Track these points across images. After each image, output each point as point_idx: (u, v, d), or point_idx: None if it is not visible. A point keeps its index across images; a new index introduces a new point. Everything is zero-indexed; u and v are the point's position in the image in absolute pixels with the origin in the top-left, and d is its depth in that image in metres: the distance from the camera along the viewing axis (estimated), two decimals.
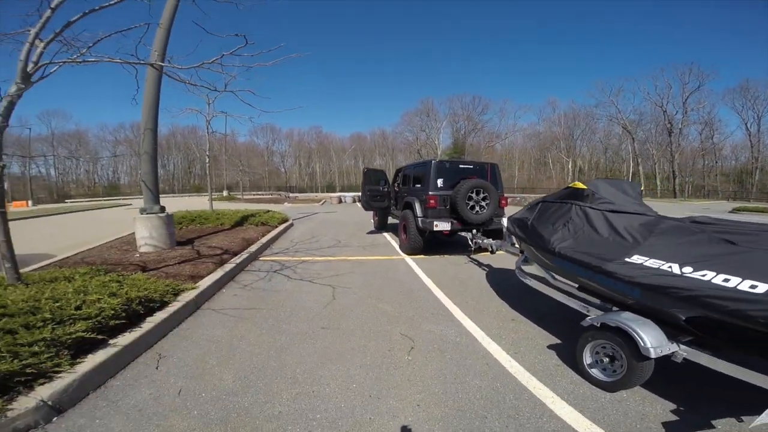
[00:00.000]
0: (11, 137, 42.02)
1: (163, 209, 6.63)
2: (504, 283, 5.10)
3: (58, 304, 2.94)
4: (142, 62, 4.14)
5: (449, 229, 6.77)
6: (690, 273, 2.26)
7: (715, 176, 50.55)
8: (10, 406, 2.08)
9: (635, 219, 3.03)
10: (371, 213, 10.92)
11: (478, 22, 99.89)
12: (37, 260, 5.59)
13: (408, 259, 6.83)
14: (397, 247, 7.95)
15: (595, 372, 2.71)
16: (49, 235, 10.35)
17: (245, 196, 29.85)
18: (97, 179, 55.62)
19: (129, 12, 4.87)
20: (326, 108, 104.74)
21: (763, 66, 68.88)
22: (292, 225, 11.67)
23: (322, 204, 25.78)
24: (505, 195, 7.83)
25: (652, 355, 2.30)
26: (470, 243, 6.50)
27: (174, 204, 14.63)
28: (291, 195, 33.41)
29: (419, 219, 6.98)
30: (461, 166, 7.42)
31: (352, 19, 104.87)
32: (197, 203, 18.30)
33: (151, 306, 3.57)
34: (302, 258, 6.76)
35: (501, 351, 3.14)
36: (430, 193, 6.92)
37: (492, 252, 5.92)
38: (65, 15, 3.48)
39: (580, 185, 3.61)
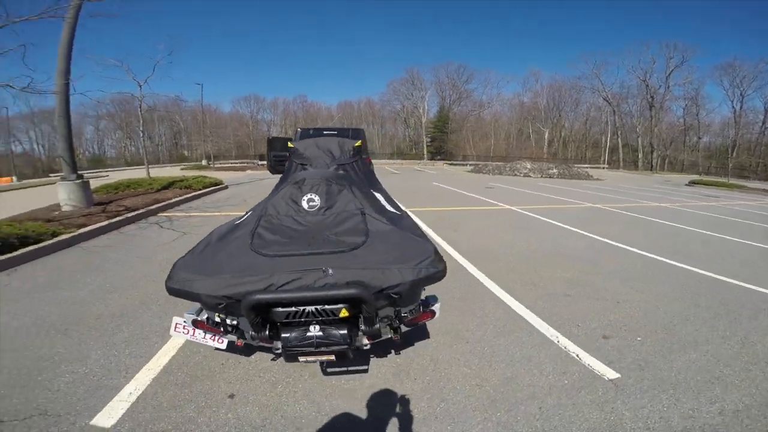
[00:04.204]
0: None
1: (80, 177, 8.06)
2: None
3: None
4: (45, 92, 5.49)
5: None
6: None
7: (697, 152, 51.39)
8: None
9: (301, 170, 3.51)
10: None
11: None
12: None
13: None
14: None
15: None
16: (13, 203, 11.79)
17: (216, 165, 31.14)
18: (82, 153, 56.46)
19: None
20: (312, 76, 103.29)
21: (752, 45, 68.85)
22: (225, 188, 13.11)
23: None
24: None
25: None
26: None
27: (145, 173, 15.79)
28: (260, 163, 34.38)
29: None
30: (325, 132, 8.63)
31: None
32: (167, 172, 19.62)
33: (26, 241, 5.08)
34: (192, 213, 8.26)
35: None
36: None
37: None
38: None
39: (291, 145, 4.30)
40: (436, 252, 2.07)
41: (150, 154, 53.31)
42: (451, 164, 43.60)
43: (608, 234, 7.03)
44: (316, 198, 2.50)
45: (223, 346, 2.12)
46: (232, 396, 2.17)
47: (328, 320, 1.86)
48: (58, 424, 1.90)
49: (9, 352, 2.56)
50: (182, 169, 27.20)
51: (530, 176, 25.58)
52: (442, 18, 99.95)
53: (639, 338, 3.05)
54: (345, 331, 1.85)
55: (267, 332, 1.86)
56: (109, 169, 37.50)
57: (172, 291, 1.90)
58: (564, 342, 2.91)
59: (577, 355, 2.72)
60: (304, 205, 2.47)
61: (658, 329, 3.24)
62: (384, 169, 31.17)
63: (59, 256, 5.05)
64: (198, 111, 41.47)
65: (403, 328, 2.22)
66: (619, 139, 52.38)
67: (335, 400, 2.14)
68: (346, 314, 1.85)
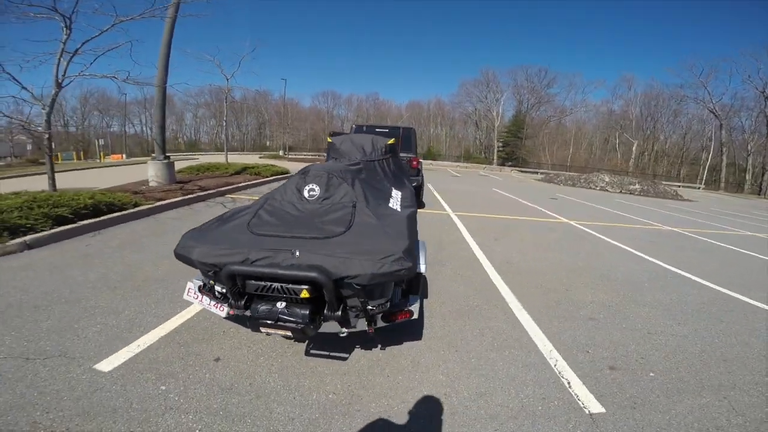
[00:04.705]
0: (113, 100, 52.00)
1: (167, 158, 9.29)
2: None
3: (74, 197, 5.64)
4: (142, 83, 6.62)
5: None
6: None
7: None
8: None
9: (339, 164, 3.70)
10: None
11: None
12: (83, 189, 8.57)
13: None
14: None
15: None
16: (115, 176, 13.95)
17: (290, 156, 33.34)
18: (181, 137, 63.97)
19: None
20: (384, 75, 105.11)
21: None
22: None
23: None
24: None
25: None
26: None
27: (230, 159, 17.55)
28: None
29: None
30: (377, 129, 8.98)
31: None
32: (246, 159, 21.54)
33: (112, 208, 6.06)
34: (254, 197, 8.99)
35: None
36: None
37: None
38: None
39: (330, 140, 4.87)
40: (406, 251, 2.10)
41: (237, 142, 59.00)
42: (520, 171, 41.56)
43: (673, 260, 6.30)
44: (317, 188, 2.66)
45: (223, 314, 2.29)
46: (217, 359, 2.43)
47: (293, 299, 2.01)
48: (68, 364, 2.28)
49: (65, 304, 3.09)
50: (260, 157, 29.63)
51: (607, 190, 23.51)
52: (522, 17, 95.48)
53: (652, 374, 2.76)
54: (306, 312, 1.98)
55: (242, 302, 2.08)
56: (200, 153, 42.05)
57: (177, 255, 2.21)
58: (561, 366, 2.74)
59: (569, 383, 2.55)
60: (305, 194, 2.64)
61: (681, 367, 2.91)
62: (445, 171, 30.80)
63: (136, 224, 5.94)
64: (280, 104, 44.78)
65: (381, 323, 2.32)
66: (724, 157, 45.52)
67: (304, 380, 2.29)
68: (307, 295, 1.98)
